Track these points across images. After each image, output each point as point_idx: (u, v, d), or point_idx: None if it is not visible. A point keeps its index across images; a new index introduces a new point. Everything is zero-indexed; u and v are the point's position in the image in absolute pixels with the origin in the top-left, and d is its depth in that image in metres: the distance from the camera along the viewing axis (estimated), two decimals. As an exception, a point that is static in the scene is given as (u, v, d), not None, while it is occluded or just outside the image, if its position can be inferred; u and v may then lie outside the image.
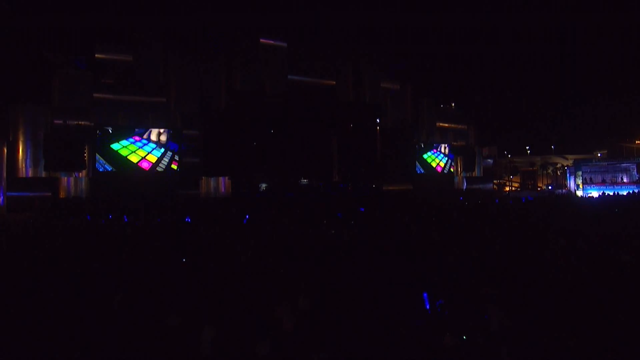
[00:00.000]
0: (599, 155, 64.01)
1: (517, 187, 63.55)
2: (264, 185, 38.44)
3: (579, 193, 47.27)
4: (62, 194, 33.58)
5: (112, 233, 11.78)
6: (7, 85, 35.75)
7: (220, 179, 36.56)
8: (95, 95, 34.12)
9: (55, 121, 33.19)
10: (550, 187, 55.02)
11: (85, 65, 36.55)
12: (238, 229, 12.65)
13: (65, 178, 33.69)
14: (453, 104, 51.51)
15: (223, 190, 36.60)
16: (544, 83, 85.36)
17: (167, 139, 34.95)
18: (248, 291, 5.39)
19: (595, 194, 41.95)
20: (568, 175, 53.10)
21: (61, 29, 38.27)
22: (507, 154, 74.25)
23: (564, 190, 52.01)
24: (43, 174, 33.66)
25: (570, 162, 64.24)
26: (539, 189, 61.87)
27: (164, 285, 5.66)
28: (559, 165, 70.82)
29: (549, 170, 71.32)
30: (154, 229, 13.06)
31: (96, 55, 34.81)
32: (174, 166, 35.09)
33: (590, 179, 47.79)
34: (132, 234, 11.28)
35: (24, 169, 34.06)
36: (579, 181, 48.54)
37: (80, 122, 33.43)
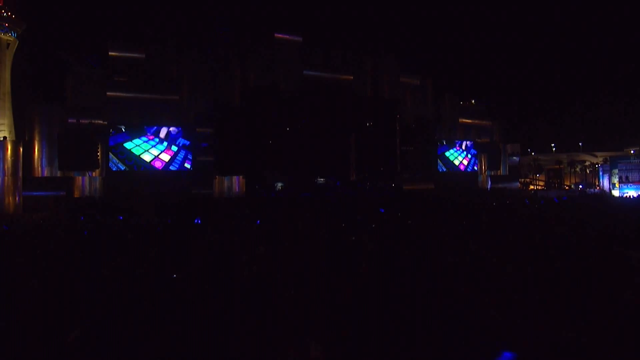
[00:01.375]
0: (631, 152, 60.31)
1: (543, 186, 60.55)
2: (279, 185, 37.27)
3: (615, 192, 44.22)
4: (76, 194, 33.27)
5: (107, 240, 10.74)
6: (22, 86, 35.73)
7: (235, 178, 35.56)
8: (108, 93, 33.62)
9: (69, 120, 32.95)
10: (581, 186, 51.89)
11: (98, 63, 36.22)
12: (246, 235, 11.44)
13: (80, 177, 33.42)
14: (473, 101, 49.02)
15: (237, 189, 35.60)
16: (570, 76, 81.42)
17: (180, 137, 34.20)
18: (245, 329, 4.09)
19: (633, 193, 39.05)
20: (601, 173, 49.96)
21: (75, 27, 37.94)
22: (531, 152, 71.09)
23: (596, 190, 48.98)
24: (58, 174, 33.54)
25: (599, 160, 60.91)
26: (566, 187, 58.74)
27: (139, 322, 4.39)
28: (587, 163, 67.34)
29: (577, 169, 67.86)
30: (154, 234, 11.98)
31: (109, 53, 34.27)
32: (187, 165, 34.32)
33: (627, 177, 44.63)
34: (130, 241, 10.20)
35: (39, 168, 33.97)
36: (615, 180, 45.41)
37: (92, 121, 33.06)
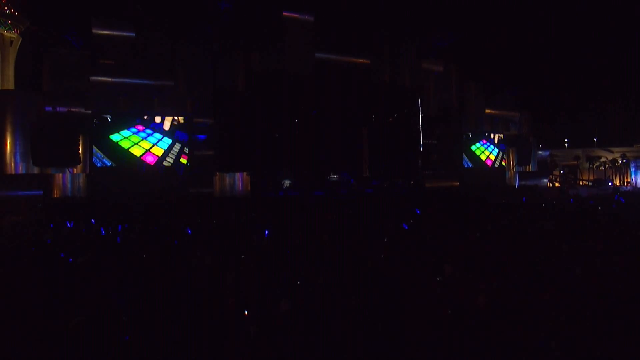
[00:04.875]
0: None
1: (557, 183, 57.37)
2: (287, 182, 33.33)
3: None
4: (56, 193, 29.18)
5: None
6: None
7: (238, 175, 31.65)
8: (92, 78, 29.39)
9: (46, 108, 28.74)
10: (610, 183, 48.32)
11: (81, 43, 31.96)
12: (249, 254, 7.63)
13: (60, 175, 29.31)
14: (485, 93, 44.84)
15: (241, 187, 31.69)
16: (585, 69, 77.42)
17: (176, 128, 30.10)
18: None
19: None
20: (633, 169, 46.40)
21: (52, 0, 33.61)
22: (542, 147, 68.08)
23: (627, 187, 45.44)
24: (36, 170, 29.43)
25: (617, 155, 58.45)
26: (581, 184, 55.55)
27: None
28: (603, 159, 64.57)
29: (594, 165, 64.91)
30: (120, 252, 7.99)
31: (93, 31, 29.93)
32: (184, 160, 30.17)
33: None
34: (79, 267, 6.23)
35: (12, 164, 29.69)
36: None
37: (73, 109, 28.82)
